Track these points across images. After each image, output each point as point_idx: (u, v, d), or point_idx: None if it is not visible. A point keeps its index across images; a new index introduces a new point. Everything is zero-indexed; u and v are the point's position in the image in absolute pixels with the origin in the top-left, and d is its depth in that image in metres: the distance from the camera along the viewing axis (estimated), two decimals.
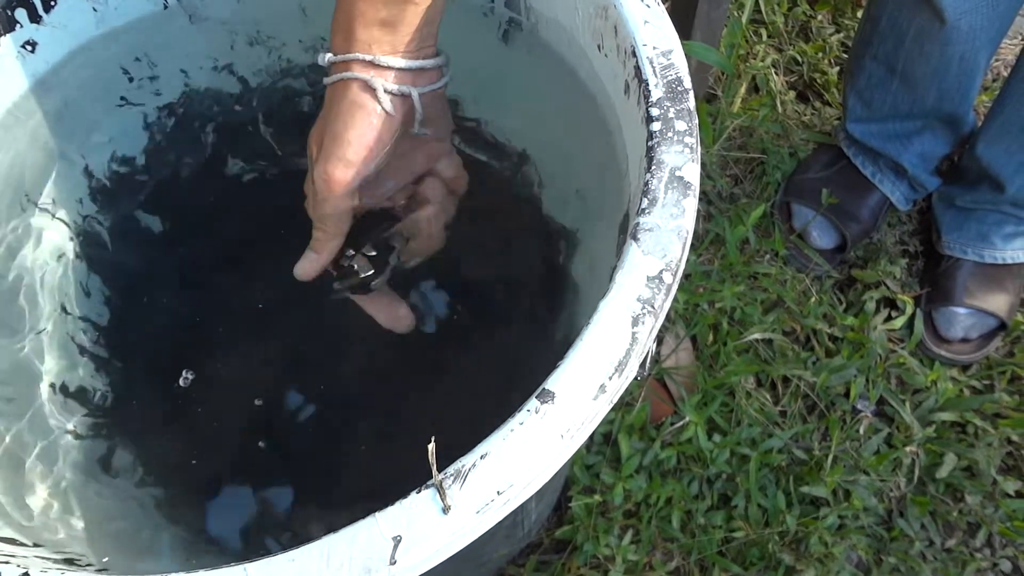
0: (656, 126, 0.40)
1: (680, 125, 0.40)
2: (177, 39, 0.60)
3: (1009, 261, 1.00)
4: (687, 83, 0.41)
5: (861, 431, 0.92)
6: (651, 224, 0.37)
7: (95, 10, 0.55)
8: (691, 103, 0.41)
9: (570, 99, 0.54)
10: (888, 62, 0.93)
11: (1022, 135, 0.89)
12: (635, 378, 0.36)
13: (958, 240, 1.00)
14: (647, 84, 0.41)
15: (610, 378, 0.34)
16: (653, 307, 0.35)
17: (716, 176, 1.05)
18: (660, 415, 0.90)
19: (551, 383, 0.33)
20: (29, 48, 0.53)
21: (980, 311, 0.98)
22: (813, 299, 0.97)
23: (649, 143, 0.39)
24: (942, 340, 0.99)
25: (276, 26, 0.62)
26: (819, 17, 1.23)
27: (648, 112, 0.40)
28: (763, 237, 1.04)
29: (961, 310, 0.98)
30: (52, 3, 0.53)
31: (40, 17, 0.53)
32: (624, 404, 0.89)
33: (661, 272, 0.36)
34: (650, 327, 0.35)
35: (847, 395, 0.95)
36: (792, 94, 1.15)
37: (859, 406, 0.96)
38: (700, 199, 1.05)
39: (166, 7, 0.58)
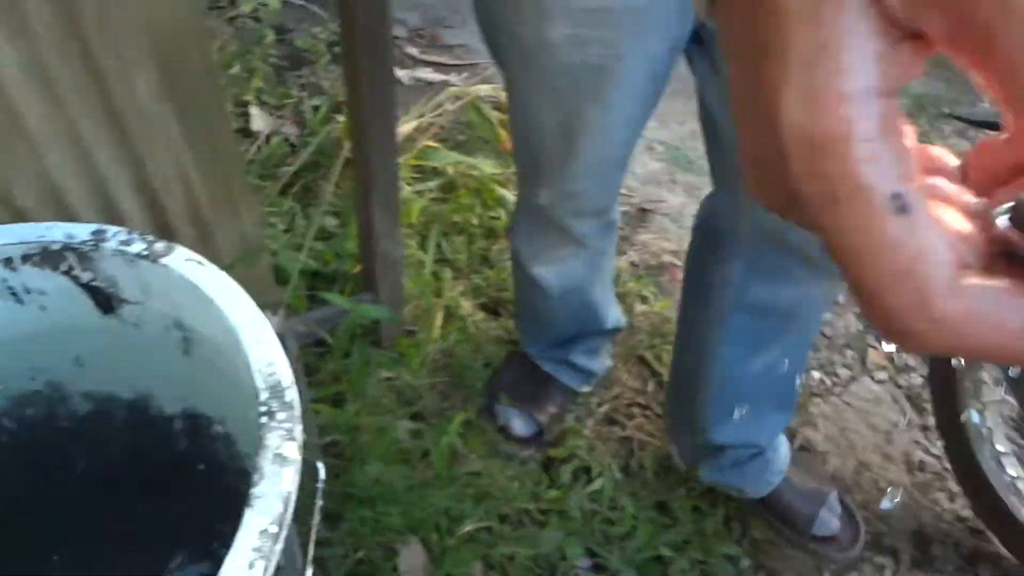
0: (264, 419, 0.57)
1: (280, 415, 0.57)
2: None
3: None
4: (286, 382, 0.59)
5: None
6: (261, 493, 0.53)
7: None
8: (291, 397, 0.58)
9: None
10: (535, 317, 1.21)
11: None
12: None
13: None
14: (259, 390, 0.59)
15: None
16: (265, 552, 0.50)
17: (425, 394, 1.25)
18: None
19: None
20: None
21: None
22: (517, 484, 1.16)
23: (259, 433, 0.56)
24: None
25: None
26: (495, 248, 1.52)
27: (259, 408, 0.58)
28: (478, 435, 1.24)
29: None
30: None
31: None
32: None
33: (269, 526, 0.51)
34: (263, 568, 0.50)
35: (564, 558, 1.12)
36: (480, 314, 1.40)
37: (578, 563, 1.14)
38: (413, 419, 1.23)
39: None
